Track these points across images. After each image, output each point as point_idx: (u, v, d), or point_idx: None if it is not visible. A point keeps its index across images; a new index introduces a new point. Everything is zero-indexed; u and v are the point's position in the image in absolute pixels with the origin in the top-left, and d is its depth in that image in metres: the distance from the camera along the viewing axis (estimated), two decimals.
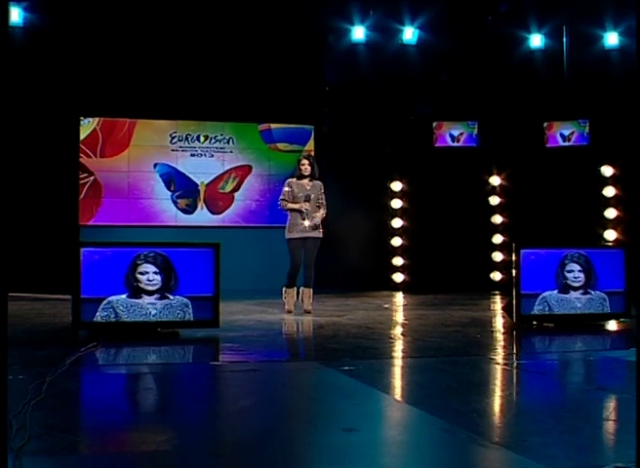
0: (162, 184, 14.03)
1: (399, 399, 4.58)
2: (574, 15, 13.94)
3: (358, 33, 14.27)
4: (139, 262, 7.23)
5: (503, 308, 8.66)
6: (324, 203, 9.63)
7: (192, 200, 14.12)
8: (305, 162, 9.68)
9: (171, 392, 4.98)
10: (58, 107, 13.24)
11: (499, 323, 8.95)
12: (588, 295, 8.37)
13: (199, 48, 13.57)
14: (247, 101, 13.92)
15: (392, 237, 14.50)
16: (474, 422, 3.87)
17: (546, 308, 8.19)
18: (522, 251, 8.12)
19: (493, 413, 4.28)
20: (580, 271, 8.33)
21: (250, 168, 14.51)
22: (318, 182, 9.71)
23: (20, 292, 11.28)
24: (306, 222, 9.46)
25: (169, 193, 14.09)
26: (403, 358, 6.27)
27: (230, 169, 14.34)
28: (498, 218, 14.43)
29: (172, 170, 14.13)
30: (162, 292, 7.24)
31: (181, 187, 14.09)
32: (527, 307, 8.13)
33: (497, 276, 14.34)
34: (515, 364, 5.96)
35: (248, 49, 13.70)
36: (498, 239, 14.40)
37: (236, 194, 14.36)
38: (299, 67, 14.05)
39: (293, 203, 9.53)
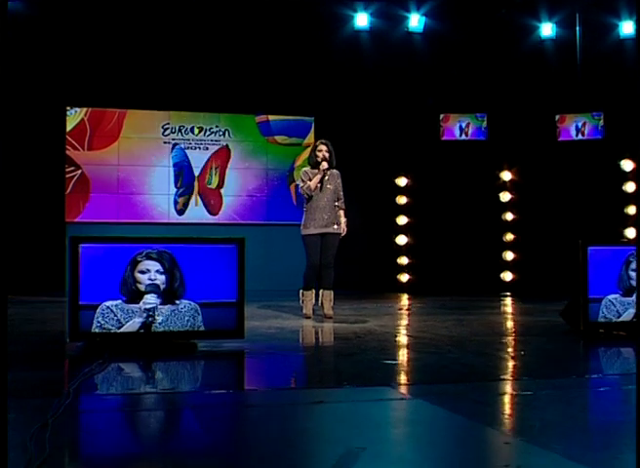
0: (172, 177, 12.48)
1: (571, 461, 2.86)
2: (587, 2, 12.61)
3: (361, 20, 12.83)
4: (139, 259, 5.75)
5: (561, 313, 7.20)
6: (342, 194, 8.27)
7: (187, 197, 12.58)
8: (324, 148, 8.23)
9: (216, 437, 3.37)
10: (43, 97, 11.77)
11: (559, 331, 7.10)
12: None
13: (193, 34, 12.09)
14: (243, 91, 12.46)
15: (397, 235, 13.03)
16: None
17: (614, 314, 6.79)
18: (590, 248, 6.69)
19: None
20: None
21: (226, 149, 12.84)
22: (335, 171, 8.32)
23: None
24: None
25: (173, 189, 12.53)
26: (496, 381, 4.64)
27: (209, 158, 12.79)
28: (508, 215, 13.00)
29: (185, 159, 12.61)
30: (164, 297, 5.76)
31: (185, 182, 12.59)
32: (592, 313, 6.73)
33: (507, 276, 12.93)
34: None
35: (245, 35, 12.27)
36: (508, 237, 12.97)
37: (222, 190, 12.78)
38: (298, 55, 12.54)
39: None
